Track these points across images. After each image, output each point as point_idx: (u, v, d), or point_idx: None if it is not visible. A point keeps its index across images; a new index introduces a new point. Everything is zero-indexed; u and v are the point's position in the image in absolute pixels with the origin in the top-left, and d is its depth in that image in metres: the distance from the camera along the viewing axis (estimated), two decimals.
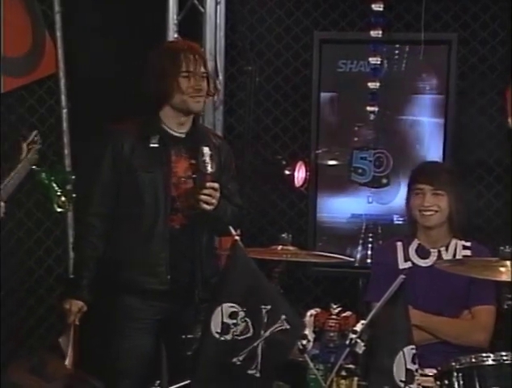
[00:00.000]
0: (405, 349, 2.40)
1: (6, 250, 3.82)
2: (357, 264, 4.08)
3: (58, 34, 3.94)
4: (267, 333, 2.54)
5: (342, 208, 4.23)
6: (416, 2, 3.88)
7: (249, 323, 2.58)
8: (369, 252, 4.13)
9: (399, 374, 2.39)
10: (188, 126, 3.18)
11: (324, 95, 4.16)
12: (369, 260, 4.08)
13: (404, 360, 2.39)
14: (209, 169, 3.01)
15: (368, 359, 2.49)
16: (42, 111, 4.01)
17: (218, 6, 3.68)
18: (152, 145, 3.12)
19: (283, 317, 2.54)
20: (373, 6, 3.46)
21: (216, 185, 3.03)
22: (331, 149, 4.25)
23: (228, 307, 2.60)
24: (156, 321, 3.18)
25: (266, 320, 2.56)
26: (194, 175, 3.07)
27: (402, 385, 2.38)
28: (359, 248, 4.15)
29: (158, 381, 2.80)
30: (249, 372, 2.53)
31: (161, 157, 3.12)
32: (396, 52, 4.04)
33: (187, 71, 3.07)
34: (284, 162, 4.25)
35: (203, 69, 3.12)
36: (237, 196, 3.27)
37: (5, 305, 3.87)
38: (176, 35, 3.71)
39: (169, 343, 3.33)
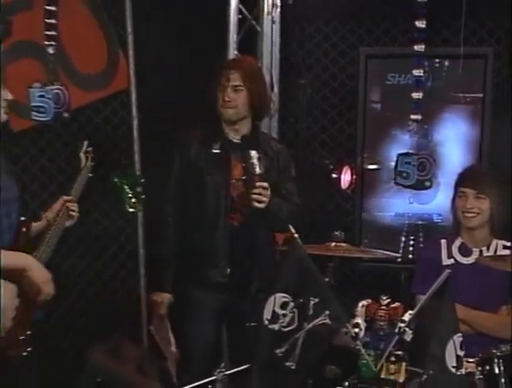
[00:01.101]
0: (455, 337, 2.40)
1: (84, 246, 3.89)
2: (399, 260, 4.00)
3: (130, 53, 3.98)
4: (310, 325, 2.53)
5: (385, 207, 4.21)
6: (454, 18, 3.84)
7: (296, 315, 2.59)
8: (410, 248, 4.10)
9: (451, 360, 2.38)
10: (243, 132, 3.21)
11: (372, 105, 4.15)
12: (410, 256, 4.05)
13: (454, 347, 2.38)
14: (257, 170, 3.01)
15: (418, 347, 2.49)
16: (116, 121, 4.06)
17: (273, 26, 3.69)
18: (214, 151, 3.17)
19: (327, 312, 2.54)
20: (416, 22, 3.43)
21: (265, 184, 3.03)
22: (372, 155, 4.24)
23: (280, 297, 2.63)
24: (218, 310, 3.22)
25: (311, 312, 2.56)
26: (243, 177, 3.09)
27: (454, 370, 2.38)
28: (402, 245, 4.12)
29: (223, 364, 2.82)
30: (287, 364, 2.52)
31: (222, 161, 3.17)
32: (437, 65, 4.02)
33: (221, 85, 3.14)
34: (331, 167, 4.25)
35: (236, 83, 3.14)
36: (296, 195, 3.26)
37: (84, 295, 3.96)
38: (236, 52, 3.74)
39: (230, 332, 3.36)
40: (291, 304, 2.60)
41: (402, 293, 3.73)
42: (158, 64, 3.93)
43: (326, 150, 4.40)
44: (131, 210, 3.90)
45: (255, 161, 3.01)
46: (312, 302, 2.56)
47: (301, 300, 2.61)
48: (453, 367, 2.38)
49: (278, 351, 2.52)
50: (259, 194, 3.02)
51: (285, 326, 2.59)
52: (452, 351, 2.39)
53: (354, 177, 4.16)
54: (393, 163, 3.95)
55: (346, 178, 4.20)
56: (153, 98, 3.99)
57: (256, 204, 3.02)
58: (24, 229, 2.73)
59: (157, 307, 3.23)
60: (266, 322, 2.60)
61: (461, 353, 2.40)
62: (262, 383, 2.68)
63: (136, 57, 4.01)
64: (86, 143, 3.10)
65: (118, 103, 4.05)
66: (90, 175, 3.15)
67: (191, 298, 3.22)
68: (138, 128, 4.06)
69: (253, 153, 3.01)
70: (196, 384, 2.83)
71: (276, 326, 2.60)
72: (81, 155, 3.13)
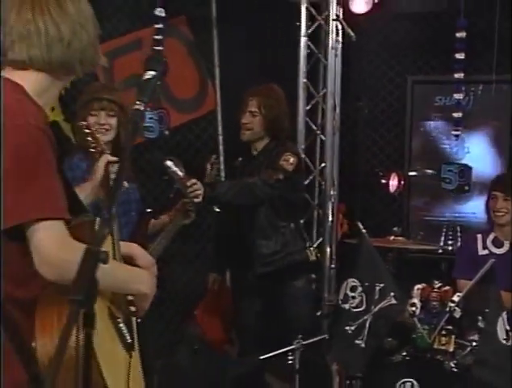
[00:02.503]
0: (503, 314, 2.47)
1: (181, 239, 3.96)
2: (440, 251, 4.05)
3: (217, 82, 4.13)
4: (376, 309, 2.59)
5: (428, 207, 4.27)
6: (487, 49, 3.87)
7: (364, 298, 2.65)
8: (450, 242, 4.13)
9: (502, 334, 2.46)
10: (260, 149, 3.21)
11: (420, 123, 4.23)
12: (450, 248, 4.09)
13: (503, 323, 2.46)
14: (180, 174, 2.79)
15: (469, 323, 2.55)
16: (204, 138, 4.18)
17: (336, 59, 3.78)
18: (238, 162, 3.31)
19: (392, 294, 2.60)
20: (456, 55, 3.49)
21: (193, 180, 2.81)
22: (413, 164, 4.31)
23: (351, 282, 2.71)
24: (249, 290, 3.26)
25: (377, 297, 2.62)
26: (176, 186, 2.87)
27: (505, 341, 2.46)
28: (442, 239, 4.16)
29: (300, 336, 2.81)
30: (357, 341, 2.58)
31: (241, 169, 3.28)
32: (472, 89, 4.09)
33: (242, 110, 3.18)
34: (381, 174, 4.32)
35: (253, 109, 3.12)
36: (269, 179, 3.05)
37: (180, 278, 4.10)
38: (305, 80, 3.85)
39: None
40: (359, 288, 2.67)
41: (443, 278, 3.77)
42: (241, 89, 4.06)
43: (377, 161, 4.48)
44: (217, 210, 4.04)
45: (173, 168, 2.77)
46: (377, 287, 2.63)
47: (367, 284, 2.69)
48: (504, 339, 2.47)
49: (348, 328, 2.60)
50: (193, 191, 2.80)
51: (354, 307, 2.65)
52: (502, 326, 2.46)
53: (402, 182, 4.22)
54: (431, 171, 4.01)
55: (393, 183, 4.26)
56: (235, 118, 4.13)
57: (196, 200, 2.82)
58: (142, 225, 2.83)
59: (210, 284, 3.44)
60: (340, 302, 2.69)
61: (508, 327, 2.46)
62: (336, 353, 2.77)
63: (221, 86, 4.13)
64: (214, 156, 3.11)
65: (206, 122, 4.17)
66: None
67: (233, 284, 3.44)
68: (223, 143, 4.18)
69: (168, 163, 2.78)
70: (277, 352, 2.86)
71: (346, 306, 2.67)
72: (208, 165, 3.16)
